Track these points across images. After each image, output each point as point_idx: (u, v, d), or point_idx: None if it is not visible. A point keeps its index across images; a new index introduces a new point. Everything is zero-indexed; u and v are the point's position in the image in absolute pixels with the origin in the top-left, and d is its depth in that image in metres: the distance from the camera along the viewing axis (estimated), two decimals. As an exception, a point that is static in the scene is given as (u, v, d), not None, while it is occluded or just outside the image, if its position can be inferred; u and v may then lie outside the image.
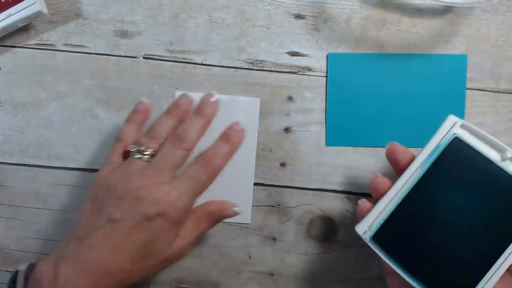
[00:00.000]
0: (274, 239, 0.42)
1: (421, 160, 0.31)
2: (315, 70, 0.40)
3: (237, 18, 0.40)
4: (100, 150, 0.41)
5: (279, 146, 0.41)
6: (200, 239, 0.39)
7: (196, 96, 0.40)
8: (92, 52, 0.40)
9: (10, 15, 0.37)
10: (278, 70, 0.40)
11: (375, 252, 0.40)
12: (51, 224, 0.42)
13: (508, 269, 0.30)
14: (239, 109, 0.41)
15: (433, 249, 0.30)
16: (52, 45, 0.41)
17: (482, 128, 0.40)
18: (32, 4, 0.37)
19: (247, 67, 0.40)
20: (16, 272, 0.34)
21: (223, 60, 0.40)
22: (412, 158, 0.32)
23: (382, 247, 0.31)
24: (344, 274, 0.42)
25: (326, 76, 0.40)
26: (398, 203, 0.31)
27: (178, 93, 0.40)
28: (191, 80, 0.41)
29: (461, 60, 0.40)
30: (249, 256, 0.42)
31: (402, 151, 0.32)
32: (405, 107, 0.40)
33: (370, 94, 0.40)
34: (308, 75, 0.40)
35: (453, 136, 0.30)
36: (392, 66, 0.40)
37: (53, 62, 0.41)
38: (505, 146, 0.30)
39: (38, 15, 0.38)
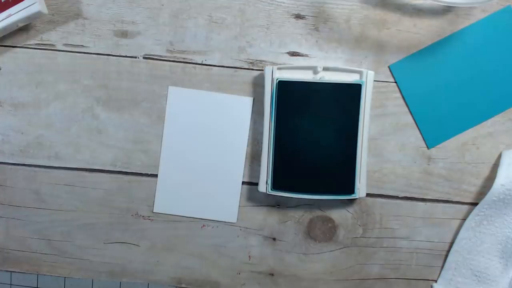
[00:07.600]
0: (274, 239, 0.42)
1: (268, 112, 0.38)
2: (315, 70, 0.40)
3: (237, 18, 0.40)
4: (100, 150, 0.41)
5: (279, 146, 0.41)
6: None
7: (192, 93, 0.40)
8: (92, 52, 0.40)
9: (10, 15, 0.37)
10: (278, 70, 0.40)
11: (371, 253, 0.40)
12: (51, 224, 0.42)
13: None
14: (231, 108, 0.41)
15: (314, 167, 0.38)
16: (52, 45, 0.41)
17: (482, 128, 0.40)
18: (32, 4, 0.37)
19: (247, 67, 0.40)
20: None
21: (223, 60, 0.40)
22: None
23: (283, 189, 0.38)
24: (344, 274, 0.42)
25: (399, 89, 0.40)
26: (273, 153, 0.38)
27: (171, 89, 0.40)
28: (191, 80, 0.41)
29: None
30: (249, 256, 0.42)
31: None
32: (478, 81, 0.40)
33: (442, 87, 0.40)
34: (308, 75, 0.40)
35: (277, 80, 0.37)
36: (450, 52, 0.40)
37: (53, 62, 0.41)
38: (315, 64, 0.37)
39: (38, 15, 0.38)
